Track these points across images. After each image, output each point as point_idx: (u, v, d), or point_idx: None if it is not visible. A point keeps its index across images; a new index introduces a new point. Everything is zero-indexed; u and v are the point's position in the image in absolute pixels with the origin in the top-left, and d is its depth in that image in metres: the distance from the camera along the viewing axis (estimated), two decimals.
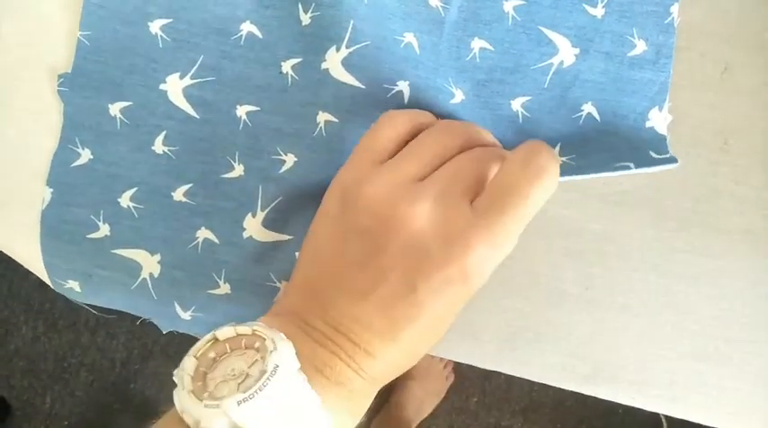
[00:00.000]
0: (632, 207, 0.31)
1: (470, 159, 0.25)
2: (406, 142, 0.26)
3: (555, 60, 0.30)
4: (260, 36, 0.29)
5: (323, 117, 0.29)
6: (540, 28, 0.30)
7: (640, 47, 0.31)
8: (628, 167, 0.28)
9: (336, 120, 0.29)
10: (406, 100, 0.29)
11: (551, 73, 0.30)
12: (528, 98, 0.30)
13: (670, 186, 0.31)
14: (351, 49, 0.28)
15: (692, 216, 0.31)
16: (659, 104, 0.30)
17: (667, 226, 0.31)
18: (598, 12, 0.30)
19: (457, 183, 0.24)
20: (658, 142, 0.29)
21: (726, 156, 0.31)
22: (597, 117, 0.30)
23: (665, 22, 0.31)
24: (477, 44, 0.30)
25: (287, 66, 0.29)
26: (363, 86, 0.28)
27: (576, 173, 0.29)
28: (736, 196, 0.31)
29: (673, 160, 0.28)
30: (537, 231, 0.31)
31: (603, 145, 0.30)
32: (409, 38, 0.29)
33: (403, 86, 0.29)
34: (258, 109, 0.29)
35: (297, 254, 0.29)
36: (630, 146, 0.29)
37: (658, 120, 0.30)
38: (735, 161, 0.31)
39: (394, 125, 0.26)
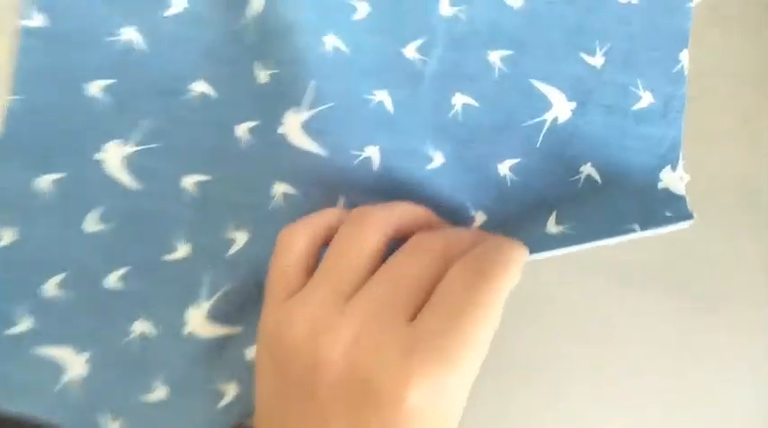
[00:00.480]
0: (640, 281, 0.27)
1: (410, 256, 0.21)
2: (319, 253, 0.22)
3: (548, 116, 0.27)
4: (213, 95, 0.26)
5: (280, 188, 0.25)
6: (532, 81, 0.27)
7: (646, 99, 0.27)
8: (632, 230, 0.24)
9: (295, 193, 0.25)
10: (375, 167, 0.25)
11: (544, 130, 0.27)
12: (517, 160, 0.27)
13: (685, 255, 0.27)
14: (312, 112, 0.24)
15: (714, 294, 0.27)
16: (672, 163, 0.26)
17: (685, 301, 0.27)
18: (597, 61, 0.27)
19: (391, 296, 0.20)
20: (675, 204, 0.25)
21: (748, 215, 0.27)
22: (598, 179, 0.27)
23: (674, 70, 0.27)
24: (460, 100, 0.26)
25: (242, 130, 0.26)
26: (326, 154, 0.24)
27: (577, 243, 0.25)
28: (763, 262, 0.27)
29: (686, 216, 0.24)
30: (528, 315, 0.27)
31: (607, 209, 0.26)
32: (381, 96, 0.25)
33: (372, 152, 0.25)
34: (209, 178, 0.26)
35: (246, 351, 0.25)
36: (640, 208, 0.25)
37: (672, 181, 0.26)
38: (760, 221, 0.27)
39: (293, 243, 0.22)
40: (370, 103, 0.25)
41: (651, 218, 0.24)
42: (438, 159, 0.26)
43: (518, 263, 0.21)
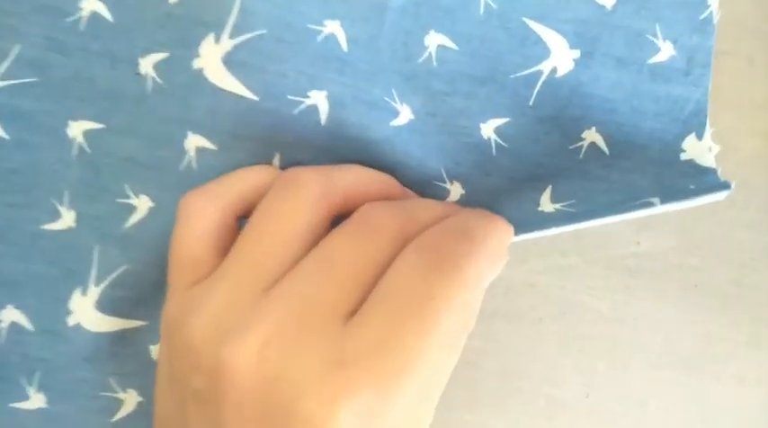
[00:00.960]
0: (652, 277, 0.22)
1: (353, 235, 0.15)
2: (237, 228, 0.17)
3: (545, 67, 0.21)
4: (109, 19, 0.20)
5: (193, 142, 0.19)
6: (525, 20, 0.21)
7: (666, 51, 0.21)
8: (651, 204, 0.19)
9: (214, 148, 0.19)
10: (322, 119, 0.19)
11: (540, 84, 0.21)
12: (505, 120, 0.21)
13: (707, 247, 0.22)
14: (236, 41, 0.18)
15: (737, 291, 0.22)
16: (697, 130, 0.21)
17: (702, 304, 0.22)
18: (607, 1, 0.21)
19: (322, 287, 0.14)
20: (704, 178, 0.20)
21: None
22: (605, 149, 0.21)
23: (701, 17, 0.22)
24: (435, 40, 0.21)
25: (147, 65, 0.20)
26: (256, 97, 0.19)
27: (577, 221, 0.19)
28: None
29: (723, 185, 0.19)
30: (513, 310, 0.22)
31: (616, 184, 0.21)
32: (332, 27, 0.20)
33: (317, 99, 0.19)
34: (102, 126, 0.20)
35: (152, 348, 0.19)
36: (658, 182, 0.20)
37: (699, 151, 0.20)
38: None
39: (200, 212, 0.16)
40: (318, 36, 0.19)
41: (674, 191, 0.19)
42: (405, 114, 0.20)
43: (498, 244, 0.16)
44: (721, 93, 0.22)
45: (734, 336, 0.21)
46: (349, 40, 0.20)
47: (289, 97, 0.19)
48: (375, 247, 0.15)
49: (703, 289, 0.22)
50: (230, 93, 0.18)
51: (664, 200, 0.19)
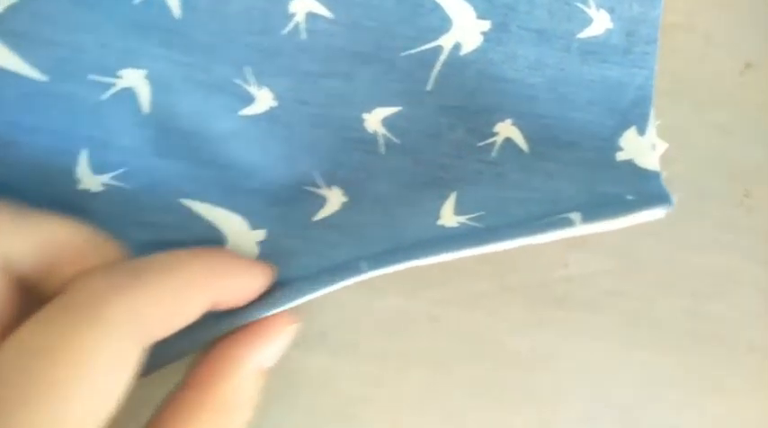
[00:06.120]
0: (583, 308, 0.17)
1: None
2: None
3: (445, 42, 0.17)
4: None
5: None
6: None
7: (601, 23, 0.17)
8: (569, 223, 0.14)
9: None
10: (144, 106, 0.14)
11: (439, 64, 0.17)
12: (396, 109, 0.17)
13: (651, 271, 0.17)
14: (10, 2, 0.14)
15: (690, 325, 0.17)
16: (638, 123, 0.16)
17: (645, 342, 0.17)
18: None
19: None
20: (643, 183, 0.16)
21: (747, 216, 0.18)
22: (523, 146, 0.17)
23: None
24: (303, 6, 0.16)
25: None
26: (45, 77, 0.14)
27: (486, 243, 0.15)
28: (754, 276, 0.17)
29: (661, 198, 0.15)
30: (410, 350, 0.17)
31: (536, 193, 0.16)
32: None
33: (134, 80, 0.14)
34: None
35: None
36: (584, 188, 0.16)
37: (639, 150, 0.16)
38: (758, 224, 0.18)
39: None
40: None
41: (602, 205, 0.14)
42: (263, 100, 0.16)
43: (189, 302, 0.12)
44: (671, 77, 0.17)
45: (685, 382, 0.17)
46: (183, 4, 0.15)
47: (91, 78, 0.14)
48: None
49: (646, 322, 0.17)
50: (6, 71, 0.14)
51: (587, 218, 0.14)
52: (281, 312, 0.14)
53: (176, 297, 0.12)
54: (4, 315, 0.12)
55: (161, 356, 0.13)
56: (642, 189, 0.15)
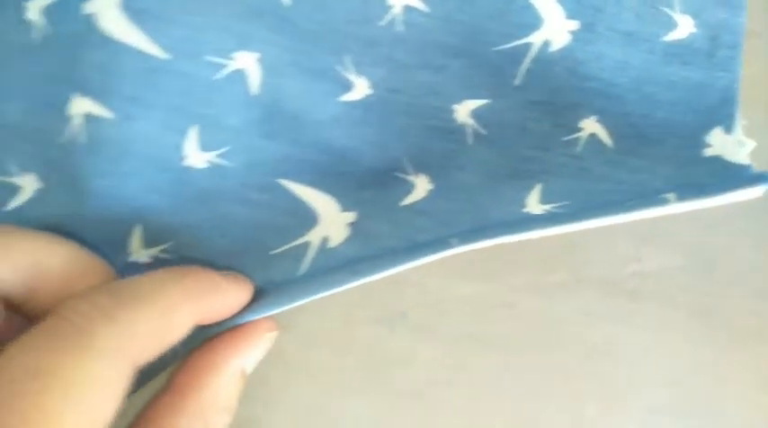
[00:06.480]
0: (655, 302, 0.18)
1: None
2: None
3: (536, 39, 0.17)
4: None
5: (82, 106, 0.15)
6: None
7: (685, 27, 0.18)
8: (665, 201, 0.15)
9: (111, 116, 0.15)
10: (253, 88, 0.15)
11: (528, 60, 0.17)
12: (485, 102, 0.17)
13: (721, 268, 0.18)
14: None
15: (755, 323, 0.18)
16: (724, 122, 0.17)
17: (712, 337, 0.18)
18: None
19: None
20: (736, 173, 0.16)
21: None
22: (608, 142, 0.17)
23: None
24: (401, 0, 0.17)
25: (35, 10, 0.16)
26: (166, 55, 0.15)
27: (569, 222, 0.15)
28: None
29: (762, 178, 0.15)
30: (486, 335, 0.18)
31: (622, 186, 0.17)
32: None
33: (246, 62, 0.15)
34: None
35: None
36: (675, 176, 0.16)
37: (727, 147, 0.16)
38: None
39: None
40: None
41: (694, 187, 0.15)
42: (360, 88, 0.17)
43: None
44: (750, 81, 0.18)
45: (746, 378, 0.18)
46: None
47: (207, 59, 0.15)
48: None
49: (714, 319, 0.18)
50: (129, 47, 0.14)
51: (682, 197, 0.14)
52: (261, 318, 0.15)
53: (163, 318, 0.12)
54: None
55: (147, 372, 0.13)
56: (734, 178, 0.16)
